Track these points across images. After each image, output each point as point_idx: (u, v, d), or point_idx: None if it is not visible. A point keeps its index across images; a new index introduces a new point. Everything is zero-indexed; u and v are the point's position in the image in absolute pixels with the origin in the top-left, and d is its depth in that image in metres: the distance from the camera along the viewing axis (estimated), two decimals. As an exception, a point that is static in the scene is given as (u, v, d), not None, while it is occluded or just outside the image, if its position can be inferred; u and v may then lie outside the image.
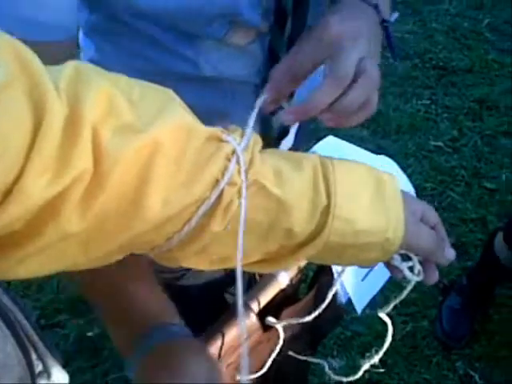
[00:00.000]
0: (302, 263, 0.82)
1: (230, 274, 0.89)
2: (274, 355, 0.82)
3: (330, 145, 0.90)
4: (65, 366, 0.63)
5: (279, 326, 0.80)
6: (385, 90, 2.58)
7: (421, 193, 2.02)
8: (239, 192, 0.46)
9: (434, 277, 0.58)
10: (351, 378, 0.82)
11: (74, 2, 0.60)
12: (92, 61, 0.76)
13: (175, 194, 0.43)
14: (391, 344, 0.67)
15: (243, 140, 0.47)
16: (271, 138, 0.80)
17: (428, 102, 2.57)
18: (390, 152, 1.94)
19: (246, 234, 0.47)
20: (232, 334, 0.75)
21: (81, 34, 0.77)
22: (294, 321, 0.81)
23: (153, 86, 0.46)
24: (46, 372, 0.62)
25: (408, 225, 0.52)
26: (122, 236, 0.43)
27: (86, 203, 0.39)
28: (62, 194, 0.38)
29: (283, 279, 0.81)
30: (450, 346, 1.73)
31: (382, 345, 0.68)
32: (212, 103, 0.76)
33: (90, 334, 1.71)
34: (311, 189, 0.49)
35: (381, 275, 0.86)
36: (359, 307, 0.86)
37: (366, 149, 0.88)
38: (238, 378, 0.81)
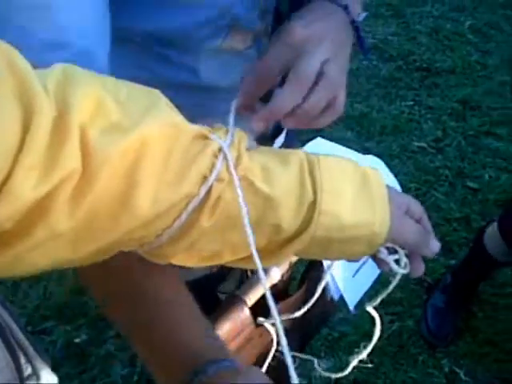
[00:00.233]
0: (293, 259, 0.84)
1: (221, 271, 0.91)
2: (271, 355, 0.83)
3: (318, 146, 0.92)
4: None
5: (269, 325, 0.81)
6: (369, 92, 2.60)
7: (405, 193, 2.04)
8: (227, 187, 0.46)
9: (420, 269, 0.59)
10: (340, 374, 0.83)
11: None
12: None
13: (164, 191, 0.43)
14: (378, 344, 0.68)
15: (227, 137, 0.48)
16: (266, 136, 0.82)
17: (412, 103, 2.59)
18: (374, 153, 1.96)
19: (234, 229, 0.48)
20: (225, 328, 0.76)
21: None
22: (285, 317, 0.82)
23: (139, 86, 0.46)
24: (35, 375, 0.62)
25: (393, 218, 0.53)
26: (111, 234, 0.43)
27: (75, 202, 0.40)
28: (51, 193, 0.38)
29: (275, 274, 0.82)
30: (435, 345, 1.74)
31: (369, 344, 0.70)
32: (211, 110, 0.77)
33: (77, 340, 1.71)
34: (298, 185, 0.49)
35: (371, 272, 0.87)
36: (351, 303, 0.87)
37: (351, 150, 0.90)
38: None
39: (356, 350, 0.73)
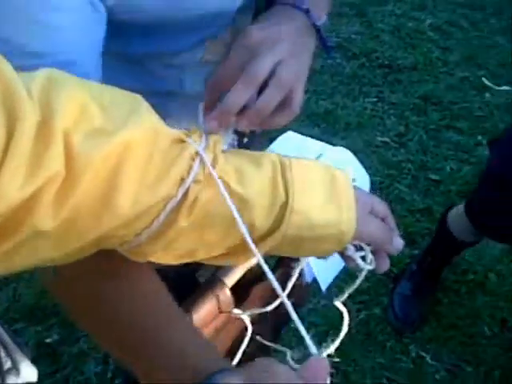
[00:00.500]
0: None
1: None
2: (245, 342, 0.85)
3: (290, 139, 0.96)
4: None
5: (245, 317, 0.84)
6: (333, 89, 2.66)
7: (370, 187, 2.10)
8: (204, 189, 0.49)
9: (385, 265, 0.62)
10: None
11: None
12: None
13: (144, 193, 0.45)
14: (346, 332, 0.71)
15: (202, 140, 0.51)
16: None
17: (375, 99, 2.65)
18: (339, 149, 2.01)
19: (210, 228, 0.51)
20: (202, 312, 0.78)
21: None
22: (257, 311, 0.84)
23: (122, 91, 0.48)
24: (15, 368, 0.64)
25: (360, 217, 0.56)
26: (93, 233, 0.45)
27: (59, 203, 0.42)
28: (35, 195, 0.40)
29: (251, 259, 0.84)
30: (402, 331, 1.79)
31: (338, 332, 0.71)
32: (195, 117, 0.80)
33: (48, 340, 1.71)
34: (270, 186, 0.52)
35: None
36: (324, 286, 0.90)
37: (318, 146, 0.93)
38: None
39: (326, 340, 0.76)
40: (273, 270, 0.91)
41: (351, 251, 0.59)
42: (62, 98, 0.42)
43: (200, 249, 0.53)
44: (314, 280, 0.92)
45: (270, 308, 0.82)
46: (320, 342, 0.78)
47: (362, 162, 0.95)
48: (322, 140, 0.93)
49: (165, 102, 0.51)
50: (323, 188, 0.54)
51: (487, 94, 2.69)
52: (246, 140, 0.91)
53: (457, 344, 1.77)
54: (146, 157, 0.45)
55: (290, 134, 0.96)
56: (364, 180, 0.94)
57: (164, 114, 0.51)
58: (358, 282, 0.64)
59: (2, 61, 0.40)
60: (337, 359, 0.79)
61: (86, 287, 0.58)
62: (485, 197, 1.55)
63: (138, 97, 0.49)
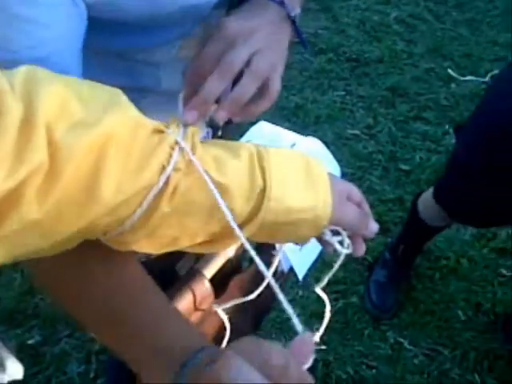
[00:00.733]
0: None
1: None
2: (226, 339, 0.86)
3: (263, 128, 0.97)
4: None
5: (221, 312, 0.84)
6: (302, 84, 2.68)
7: (342, 178, 2.12)
8: (184, 176, 0.50)
9: (361, 249, 0.65)
10: None
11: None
12: None
13: (126, 181, 0.46)
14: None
15: (180, 131, 0.52)
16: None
17: (343, 92, 2.68)
18: (310, 142, 2.04)
19: (191, 215, 0.52)
20: (184, 303, 0.80)
21: None
22: (238, 301, 0.85)
23: (101, 85, 0.50)
24: (1, 366, 0.64)
25: (335, 202, 0.57)
26: (78, 222, 0.47)
27: (43, 194, 0.43)
28: (20, 186, 0.41)
29: (229, 249, 0.85)
30: (379, 318, 1.82)
31: (318, 323, 0.74)
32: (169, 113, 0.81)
33: (30, 341, 1.70)
34: (248, 173, 0.53)
35: (314, 245, 0.92)
36: (301, 274, 0.91)
37: (289, 139, 0.95)
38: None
39: (306, 330, 0.78)
40: (251, 259, 0.92)
41: (328, 236, 0.61)
42: (43, 92, 0.43)
43: (183, 237, 0.54)
44: (291, 269, 0.93)
45: (252, 296, 0.84)
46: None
47: (333, 154, 0.96)
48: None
49: (138, 98, 0.52)
50: (299, 175, 0.56)
51: (453, 85, 2.74)
52: (219, 133, 0.93)
53: (433, 329, 1.82)
54: (127, 147, 0.47)
55: (263, 123, 0.97)
56: (335, 169, 0.96)
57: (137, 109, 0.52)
58: (336, 266, 0.66)
59: None
60: (323, 347, 0.81)
61: (76, 271, 0.59)
62: (452, 185, 1.59)
63: (117, 90, 0.50)
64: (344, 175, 0.92)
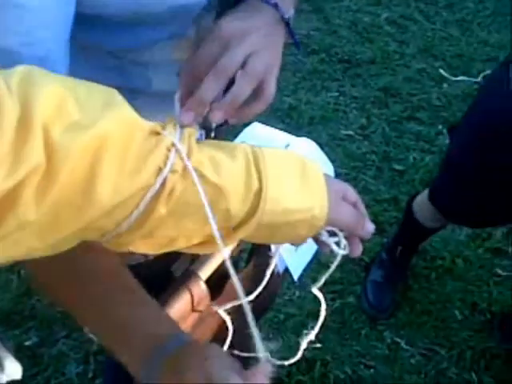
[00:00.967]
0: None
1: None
2: (228, 340, 0.86)
3: (256, 130, 0.97)
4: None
5: (222, 312, 0.85)
6: (296, 85, 2.68)
7: (334, 176, 2.13)
8: (180, 178, 0.50)
9: (358, 250, 0.65)
10: (292, 360, 0.88)
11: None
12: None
13: (123, 182, 0.46)
14: (322, 322, 0.73)
15: (177, 132, 0.52)
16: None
17: (336, 93, 2.69)
18: (305, 143, 2.04)
19: (187, 217, 0.52)
20: (180, 305, 0.79)
21: None
22: (237, 302, 0.85)
23: (97, 85, 0.49)
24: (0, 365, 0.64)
25: (331, 203, 0.57)
26: (75, 223, 0.46)
27: (41, 195, 0.43)
28: (18, 186, 0.41)
29: (225, 249, 0.85)
30: (376, 318, 1.83)
31: (314, 322, 0.74)
32: (162, 112, 0.81)
33: (28, 343, 1.71)
34: (244, 174, 0.53)
35: (310, 246, 0.93)
36: (296, 275, 0.91)
37: (283, 141, 0.95)
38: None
39: (302, 329, 0.77)
40: (247, 260, 0.92)
41: (325, 237, 0.61)
42: (39, 93, 0.43)
43: (179, 238, 0.54)
44: (286, 270, 0.93)
45: (251, 297, 0.84)
46: (297, 332, 0.80)
47: (327, 155, 0.96)
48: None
49: (128, 99, 0.52)
50: (295, 175, 0.56)
51: (445, 85, 2.76)
52: (212, 135, 0.93)
53: (430, 328, 1.82)
54: (123, 148, 0.47)
55: (256, 125, 0.97)
56: (329, 170, 0.96)
57: None
58: (333, 267, 0.66)
59: None
60: (318, 345, 0.81)
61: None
62: (446, 186, 1.59)
63: (114, 90, 0.50)
64: (338, 176, 0.92)
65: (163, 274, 0.92)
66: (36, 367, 1.66)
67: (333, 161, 0.96)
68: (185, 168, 0.50)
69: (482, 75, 2.77)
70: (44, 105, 0.43)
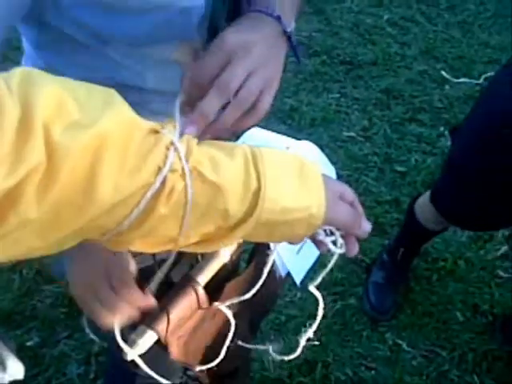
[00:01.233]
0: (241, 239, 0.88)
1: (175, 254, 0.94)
2: (228, 340, 0.87)
3: (256, 134, 0.97)
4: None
5: (225, 309, 0.85)
6: (297, 87, 2.68)
7: (338, 180, 2.13)
8: (180, 177, 0.50)
9: (355, 249, 0.65)
10: (291, 356, 0.89)
11: None
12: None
13: (123, 181, 0.47)
14: (323, 323, 0.73)
15: (176, 132, 0.53)
16: None
17: (338, 95, 2.69)
18: (307, 144, 2.04)
19: (186, 216, 0.52)
20: (181, 307, 0.80)
21: (27, 46, 0.82)
22: (236, 299, 0.86)
23: (95, 85, 0.50)
24: (1, 364, 0.64)
25: (329, 202, 0.58)
26: (76, 222, 0.47)
27: (42, 193, 0.43)
28: (19, 185, 0.42)
29: (224, 254, 0.86)
30: (377, 319, 1.83)
31: (315, 322, 0.75)
32: (153, 109, 0.81)
33: (29, 343, 1.71)
34: (243, 174, 0.54)
35: (313, 249, 0.93)
36: (298, 279, 0.92)
37: (285, 142, 0.95)
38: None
39: (303, 330, 0.78)
40: (249, 261, 0.92)
41: (322, 236, 0.62)
42: (39, 93, 0.44)
43: (178, 237, 0.55)
44: (288, 274, 0.94)
45: (248, 295, 0.84)
46: (299, 333, 0.80)
47: (329, 156, 0.96)
48: (289, 136, 0.95)
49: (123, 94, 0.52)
50: (294, 175, 0.57)
51: (447, 87, 2.76)
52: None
53: (431, 330, 1.82)
54: (123, 147, 0.47)
55: (255, 129, 0.97)
56: (330, 172, 0.96)
57: None
58: (329, 265, 0.67)
59: None
60: (316, 342, 0.81)
61: None
62: (448, 188, 1.59)
63: (112, 90, 0.50)
64: (340, 177, 0.92)
65: (163, 279, 0.92)
66: (37, 367, 1.66)
67: (334, 162, 0.96)
68: (185, 167, 0.51)
69: (483, 77, 2.78)
70: (44, 105, 0.43)
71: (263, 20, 0.70)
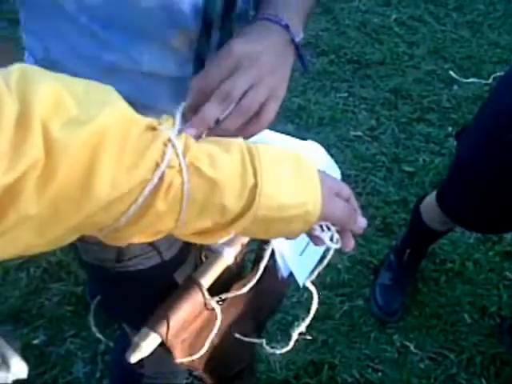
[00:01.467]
0: (245, 241, 0.88)
1: (176, 257, 0.94)
2: (214, 332, 0.86)
3: (261, 134, 0.96)
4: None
5: (214, 303, 0.85)
6: (305, 86, 2.67)
7: (345, 180, 2.12)
8: (178, 173, 0.51)
9: (350, 244, 0.66)
10: (284, 350, 0.89)
11: None
12: (38, 57, 0.80)
13: (121, 177, 0.47)
14: (330, 324, 0.73)
15: (174, 129, 0.53)
16: None
17: (346, 94, 2.68)
18: (314, 144, 2.03)
19: (184, 211, 0.52)
20: (185, 310, 0.79)
21: (24, 36, 0.81)
22: (231, 294, 0.85)
23: (93, 82, 0.50)
24: (5, 364, 0.64)
25: (325, 198, 0.59)
26: (74, 218, 0.47)
27: (41, 189, 0.44)
28: (18, 181, 0.42)
29: (228, 256, 0.85)
30: (385, 321, 1.81)
31: (323, 325, 0.75)
32: (142, 95, 0.81)
33: (35, 341, 1.71)
34: (240, 169, 0.54)
35: (316, 250, 0.92)
36: (301, 280, 0.92)
37: (292, 141, 0.94)
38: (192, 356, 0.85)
39: (310, 331, 0.78)
40: (254, 262, 0.92)
41: (318, 231, 0.63)
42: (37, 90, 0.44)
43: (175, 230, 0.55)
44: (291, 274, 0.93)
45: (245, 290, 0.86)
46: (304, 333, 0.79)
47: (336, 156, 0.96)
48: (296, 135, 0.94)
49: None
50: (289, 171, 0.57)
51: (455, 87, 2.74)
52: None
53: (439, 332, 1.81)
54: (121, 143, 0.47)
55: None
56: (336, 174, 0.96)
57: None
58: (325, 261, 0.69)
59: None
60: (309, 337, 0.81)
61: None
62: (455, 187, 1.58)
63: (109, 87, 0.50)
64: (347, 177, 0.91)
65: (166, 281, 0.92)
66: (43, 366, 1.66)
67: (342, 162, 0.96)
68: (181, 163, 0.51)
69: (492, 77, 2.76)
70: (42, 102, 0.44)
71: (272, 28, 0.70)
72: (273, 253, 0.88)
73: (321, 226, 0.63)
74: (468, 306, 1.87)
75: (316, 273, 0.72)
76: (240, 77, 0.65)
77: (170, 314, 0.78)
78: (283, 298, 1.26)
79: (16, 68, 0.46)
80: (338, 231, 0.64)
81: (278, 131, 0.95)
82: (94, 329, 1.69)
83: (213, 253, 0.87)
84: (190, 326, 0.82)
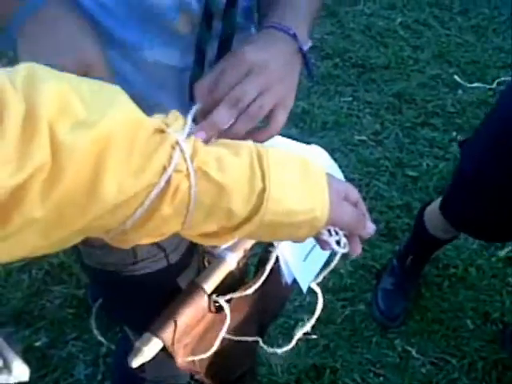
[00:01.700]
0: (248, 246, 0.88)
1: (180, 262, 0.94)
2: (223, 332, 0.86)
3: None
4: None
5: (223, 302, 0.85)
6: (309, 90, 2.67)
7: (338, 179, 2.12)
8: (185, 178, 0.50)
9: (358, 249, 0.66)
10: (284, 349, 0.89)
11: None
12: None
13: (128, 180, 0.47)
14: (332, 328, 0.74)
15: (184, 131, 0.53)
16: None
17: (350, 98, 2.67)
18: (318, 147, 2.03)
19: (190, 214, 0.52)
20: (187, 315, 0.79)
21: None
22: (238, 294, 0.85)
23: (100, 82, 0.50)
24: (7, 368, 0.64)
25: (333, 203, 0.59)
26: (80, 221, 0.47)
27: (47, 192, 0.43)
28: (24, 184, 0.42)
29: (231, 261, 0.85)
30: (387, 326, 1.81)
31: (324, 329, 0.75)
32: (141, 86, 0.81)
33: (37, 343, 1.72)
34: (249, 173, 0.54)
35: (320, 256, 0.92)
36: (304, 285, 0.92)
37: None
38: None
39: (313, 335, 0.78)
40: (257, 266, 0.92)
41: (326, 235, 0.63)
42: (44, 90, 0.43)
43: (180, 232, 0.55)
44: (295, 280, 0.94)
45: (250, 291, 0.86)
46: (307, 337, 0.79)
47: (340, 160, 0.96)
48: (300, 140, 0.94)
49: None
50: (297, 176, 0.57)
51: (459, 91, 2.74)
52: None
53: (441, 337, 1.80)
54: (128, 146, 0.47)
55: None
56: (339, 177, 0.96)
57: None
58: (332, 264, 0.69)
59: None
60: (314, 336, 0.81)
61: None
62: (460, 194, 1.57)
63: (117, 88, 0.50)
64: (351, 181, 0.92)
65: (170, 285, 0.92)
66: (45, 368, 1.67)
67: (345, 166, 0.96)
68: (188, 168, 0.51)
69: (496, 82, 2.75)
70: (49, 103, 0.43)
71: (279, 37, 0.71)
72: (277, 258, 0.88)
73: (329, 231, 0.63)
74: (470, 311, 1.87)
75: (321, 277, 0.73)
76: (250, 83, 0.66)
77: (172, 318, 0.78)
78: (286, 302, 1.26)
79: (23, 67, 0.45)
80: (345, 235, 0.64)
81: (281, 135, 0.95)
82: (95, 331, 1.69)
83: (216, 258, 0.88)
84: (192, 330, 0.82)
